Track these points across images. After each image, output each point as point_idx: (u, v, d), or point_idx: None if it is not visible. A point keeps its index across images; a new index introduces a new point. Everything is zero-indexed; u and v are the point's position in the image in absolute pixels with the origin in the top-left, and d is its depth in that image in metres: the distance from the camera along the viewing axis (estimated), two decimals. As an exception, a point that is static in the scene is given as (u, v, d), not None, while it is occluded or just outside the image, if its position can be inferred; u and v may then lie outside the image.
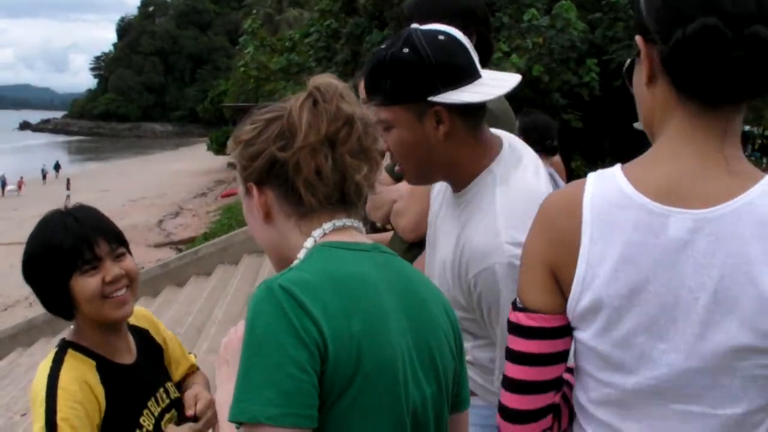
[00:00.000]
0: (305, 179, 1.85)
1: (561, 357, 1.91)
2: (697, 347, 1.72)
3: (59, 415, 2.50)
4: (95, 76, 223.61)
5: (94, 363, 2.70)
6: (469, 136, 2.57)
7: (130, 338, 2.89)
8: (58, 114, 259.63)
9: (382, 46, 2.58)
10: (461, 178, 2.65)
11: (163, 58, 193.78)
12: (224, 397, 1.89)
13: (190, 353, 3.16)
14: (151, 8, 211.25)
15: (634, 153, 1.92)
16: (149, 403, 2.81)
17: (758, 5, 1.66)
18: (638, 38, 1.82)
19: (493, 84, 2.55)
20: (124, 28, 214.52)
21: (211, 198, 53.86)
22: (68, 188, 52.39)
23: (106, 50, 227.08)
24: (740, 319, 1.68)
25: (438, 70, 2.46)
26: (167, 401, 2.89)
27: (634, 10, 1.86)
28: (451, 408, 2.01)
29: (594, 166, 21.04)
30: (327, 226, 1.91)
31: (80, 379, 2.61)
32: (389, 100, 2.50)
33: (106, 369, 2.71)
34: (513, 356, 1.94)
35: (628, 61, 1.96)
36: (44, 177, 71.54)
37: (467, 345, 2.45)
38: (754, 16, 1.65)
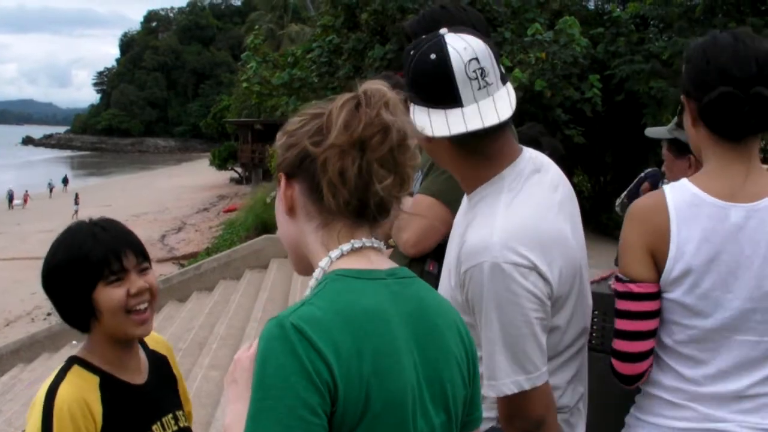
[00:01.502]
0: (329, 179, 1.82)
1: (657, 313, 2.66)
2: (753, 294, 2.56)
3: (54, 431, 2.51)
4: (98, 92, 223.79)
5: (97, 379, 2.69)
6: (461, 154, 2.62)
7: (143, 358, 2.89)
8: (61, 129, 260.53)
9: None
10: (468, 185, 2.69)
11: (166, 74, 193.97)
12: (232, 418, 1.88)
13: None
14: (154, 24, 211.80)
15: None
16: (154, 427, 2.79)
17: (759, 68, 2.54)
18: (682, 96, 2.73)
19: (469, 117, 2.50)
20: (127, 44, 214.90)
21: (213, 213, 53.91)
22: (77, 203, 52.30)
23: (109, 65, 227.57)
24: None
25: (411, 86, 2.53)
26: (175, 428, 2.87)
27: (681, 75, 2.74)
28: (462, 427, 2.00)
29: (596, 180, 21.08)
30: (345, 247, 1.88)
31: (78, 395, 2.59)
32: None
33: (111, 386, 2.70)
34: (628, 315, 2.67)
35: (678, 108, 2.94)
36: (51, 191, 71.66)
37: None
38: (755, 78, 2.53)
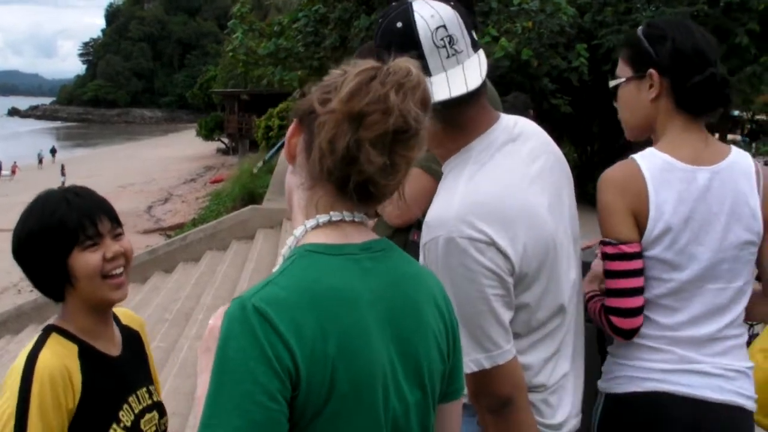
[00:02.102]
0: (319, 143, 1.77)
1: (643, 270, 2.86)
2: (721, 245, 2.83)
3: (32, 396, 2.47)
4: (84, 62, 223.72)
5: (76, 348, 2.66)
6: (443, 123, 2.47)
7: (116, 331, 2.87)
8: (47, 100, 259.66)
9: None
10: (441, 155, 2.66)
11: (152, 44, 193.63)
12: (203, 389, 1.80)
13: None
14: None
15: (621, 137, 3.21)
16: (130, 399, 2.78)
17: (715, 56, 2.90)
18: (653, 72, 2.91)
19: (436, 87, 2.42)
20: (112, 14, 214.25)
21: (200, 184, 53.78)
22: (63, 174, 52.29)
23: (95, 36, 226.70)
24: (743, 226, 2.86)
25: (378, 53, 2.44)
26: (149, 402, 2.87)
27: (639, 50, 2.97)
28: (441, 398, 1.98)
29: (583, 150, 21.04)
30: (322, 218, 1.84)
31: (59, 363, 2.56)
32: None
33: (88, 356, 2.68)
34: (624, 274, 2.84)
35: (612, 83, 3.08)
36: (40, 162, 71.61)
37: None
38: (717, 62, 2.89)
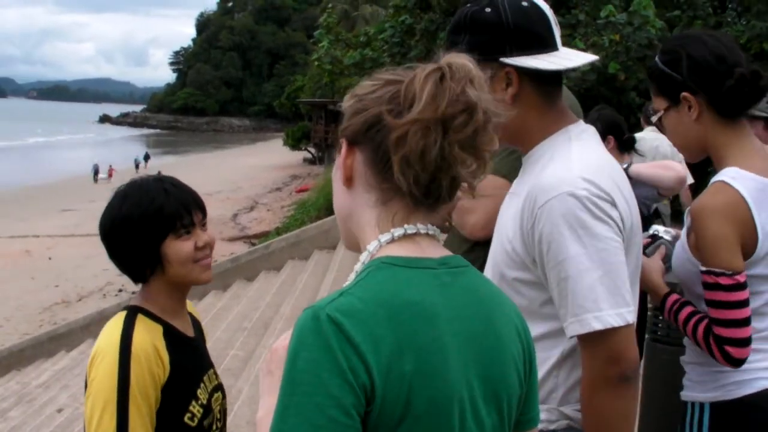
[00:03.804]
0: (405, 156, 1.67)
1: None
2: None
3: (131, 375, 2.59)
4: (174, 71, 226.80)
5: (161, 328, 2.79)
6: (539, 102, 2.57)
7: (188, 316, 3.02)
8: (138, 108, 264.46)
9: (468, 4, 2.60)
10: (529, 141, 2.63)
11: (242, 53, 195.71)
12: (264, 411, 1.76)
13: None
14: (230, 4, 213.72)
15: None
16: (204, 378, 2.91)
17: (741, 54, 2.92)
18: (686, 95, 2.92)
19: (569, 57, 2.55)
20: (203, 23, 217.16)
21: (285, 193, 54.19)
22: (159, 180, 53.54)
23: (185, 45, 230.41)
24: None
25: (513, 33, 2.49)
26: (216, 382, 3.00)
27: (663, 79, 3.00)
28: (516, 426, 1.88)
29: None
30: (397, 232, 1.75)
31: (150, 343, 2.69)
32: None
33: (172, 336, 2.81)
34: (739, 304, 2.79)
35: (654, 117, 3.10)
36: (137, 167, 73.08)
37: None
38: (738, 61, 2.88)
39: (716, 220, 2.83)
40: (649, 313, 4.03)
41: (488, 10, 2.52)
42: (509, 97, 2.52)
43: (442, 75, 1.70)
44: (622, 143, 6.35)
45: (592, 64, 13.35)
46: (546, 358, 2.48)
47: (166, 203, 2.76)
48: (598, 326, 2.32)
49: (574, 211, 2.34)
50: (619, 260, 2.36)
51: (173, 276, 2.81)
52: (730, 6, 17.97)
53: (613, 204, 2.38)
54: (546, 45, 2.53)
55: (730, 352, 2.81)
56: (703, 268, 2.86)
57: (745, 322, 2.80)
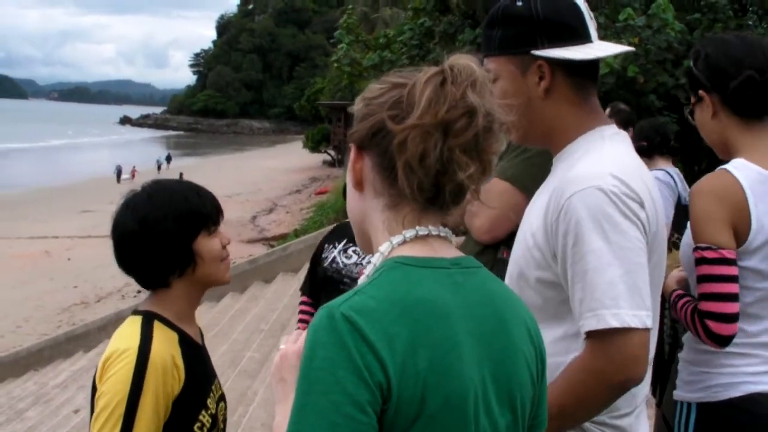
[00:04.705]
0: (407, 161, 1.69)
1: (738, 278, 2.87)
2: None
3: (146, 384, 2.59)
4: (194, 73, 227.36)
5: (176, 336, 2.80)
6: (572, 95, 2.56)
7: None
8: (158, 109, 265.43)
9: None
10: (563, 139, 2.60)
11: (262, 56, 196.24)
12: (280, 418, 1.77)
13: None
14: (250, 6, 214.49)
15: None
16: (212, 387, 2.92)
17: (765, 57, 2.97)
18: (702, 92, 3.08)
19: (601, 48, 2.56)
20: (223, 26, 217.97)
21: (305, 195, 54.23)
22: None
23: (206, 47, 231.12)
24: None
25: (544, 24, 2.50)
26: (220, 392, 3.00)
27: (690, 76, 3.15)
28: (527, 430, 1.87)
29: (690, 168, 20.67)
30: (409, 234, 1.76)
31: (168, 353, 2.70)
32: (495, 50, 2.58)
33: (186, 344, 2.82)
34: (724, 278, 2.84)
35: (686, 110, 3.27)
36: (159, 168, 73.69)
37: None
38: (765, 65, 2.96)
39: (706, 198, 2.93)
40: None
41: (519, 3, 2.53)
42: (542, 90, 2.53)
43: (443, 79, 1.70)
44: (671, 150, 6.42)
45: (610, 67, 13.37)
46: (560, 363, 2.39)
47: (200, 203, 2.84)
48: (615, 323, 2.23)
49: (602, 206, 2.29)
50: (642, 262, 2.31)
51: (202, 275, 2.84)
52: (750, 9, 17.86)
53: (642, 205, 2.34)
54: (578, 36, 2.53)
55: (710, 326, 2.84)
56: (693, 246, 2.94)
57: (729, 297, 2.84)
